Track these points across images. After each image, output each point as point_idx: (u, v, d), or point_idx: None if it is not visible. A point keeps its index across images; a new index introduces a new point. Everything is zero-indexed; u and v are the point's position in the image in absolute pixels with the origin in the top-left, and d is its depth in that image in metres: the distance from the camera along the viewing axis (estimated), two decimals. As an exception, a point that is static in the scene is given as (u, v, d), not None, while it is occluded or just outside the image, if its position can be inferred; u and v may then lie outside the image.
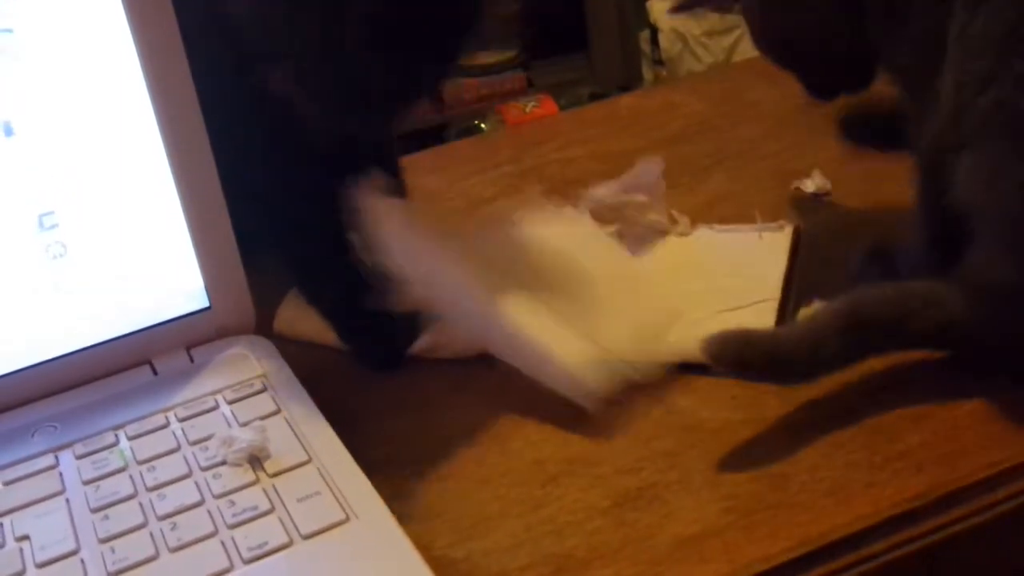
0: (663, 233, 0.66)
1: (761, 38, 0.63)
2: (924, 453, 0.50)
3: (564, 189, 0.69)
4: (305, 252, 0.62)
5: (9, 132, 0.53)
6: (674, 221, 0.67)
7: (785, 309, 0.59)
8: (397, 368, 0.60)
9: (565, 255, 0.61)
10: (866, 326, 0.52)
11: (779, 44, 0.62)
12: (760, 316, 0.58)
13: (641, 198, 0.66)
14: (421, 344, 0.60)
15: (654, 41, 2.31)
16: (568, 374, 0.53)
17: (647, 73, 2.39)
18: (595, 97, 2.18)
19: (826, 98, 0.64)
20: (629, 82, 2.40)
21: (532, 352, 0.54)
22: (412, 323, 0.59)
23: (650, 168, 0.67)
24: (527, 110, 2.15)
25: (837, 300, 0.53)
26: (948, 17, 0.51)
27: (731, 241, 0.65)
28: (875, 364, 0.55)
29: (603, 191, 0.67)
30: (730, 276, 0.62)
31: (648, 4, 2.29)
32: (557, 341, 0.54)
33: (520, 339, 0.55)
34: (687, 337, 0.56)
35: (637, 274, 0.63)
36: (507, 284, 0.57)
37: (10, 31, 0.52)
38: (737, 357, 0.52)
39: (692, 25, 2.18)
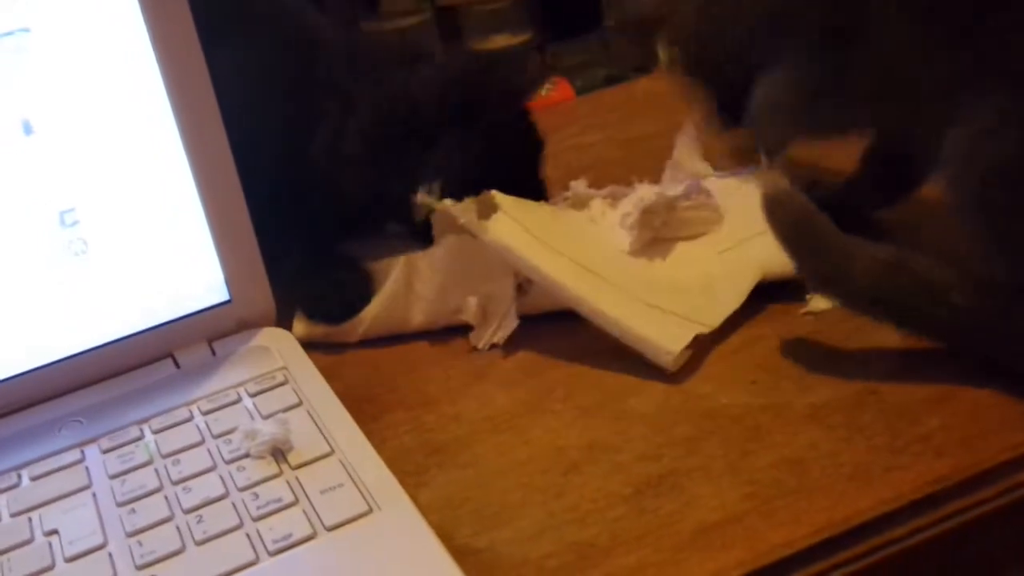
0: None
1: (700, 59, 0.69)
2: (945, 436, 0.50)
3: (581, 175, 0.69)
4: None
5: (28, 130, 0.54)
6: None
7: None
8: (343, 321, 0.62)
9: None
10: (908, 275, 0.53)
11: (720, 64, 0.66)
12: (764, 247, 0.58)
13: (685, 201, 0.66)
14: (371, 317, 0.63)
15: (670, 21, 2.29)
16: (647, 341, 0.56)
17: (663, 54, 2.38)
18: (611, 79, 2.16)
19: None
20: (645, 63, 2.38)
21: (612, 327, 0.58)
22: (363, 285, 0.64)
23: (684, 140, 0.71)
24: (543, 93, 2.14)
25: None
26: None
27: (730, 186, 0.68)
28: (893, 346, 0.55)
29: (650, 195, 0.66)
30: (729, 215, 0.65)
31: (663, -17, 2.27)
32: (628, 315, 0.58)
33: (599, 318, 0.58)
34: (727, 283, 0.60)
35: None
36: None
37: (27, 30, 0.53)
38: (794, 225, 0.55)
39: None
